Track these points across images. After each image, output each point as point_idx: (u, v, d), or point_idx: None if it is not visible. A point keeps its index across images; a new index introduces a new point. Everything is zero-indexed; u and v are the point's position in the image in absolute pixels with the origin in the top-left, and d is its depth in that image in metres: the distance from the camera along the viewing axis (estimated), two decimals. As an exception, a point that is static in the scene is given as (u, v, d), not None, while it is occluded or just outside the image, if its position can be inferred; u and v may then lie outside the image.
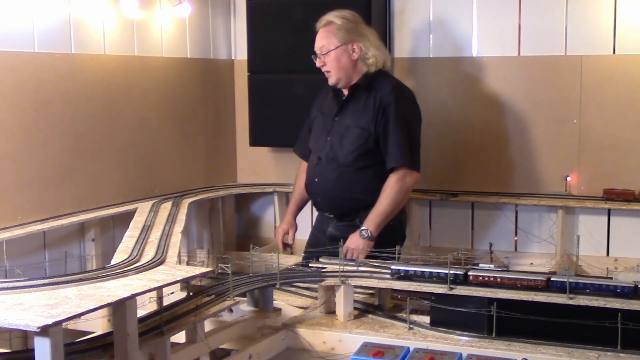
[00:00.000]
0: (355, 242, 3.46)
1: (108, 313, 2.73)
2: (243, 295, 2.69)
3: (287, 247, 3.95)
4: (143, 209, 3.88)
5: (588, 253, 4.14)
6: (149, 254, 2.85)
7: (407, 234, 3.88)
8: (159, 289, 2.41)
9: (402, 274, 2.70)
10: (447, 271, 2.61)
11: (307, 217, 4.31)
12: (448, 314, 2.58)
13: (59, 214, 3.73)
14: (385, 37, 4.47)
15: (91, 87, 3.93)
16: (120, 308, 2.17)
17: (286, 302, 2.95)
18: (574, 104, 4.22)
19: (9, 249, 3.42)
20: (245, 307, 2.76)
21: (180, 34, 4.54)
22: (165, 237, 3.22)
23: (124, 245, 3.05)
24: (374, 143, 3.53)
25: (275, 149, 4.86)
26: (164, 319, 2.36)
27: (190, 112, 4.65)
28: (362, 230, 3.47)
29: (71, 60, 3.81)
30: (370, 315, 2.79)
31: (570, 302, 2.42)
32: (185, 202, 4.13)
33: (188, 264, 4.10)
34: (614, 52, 4.13)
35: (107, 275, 2.45)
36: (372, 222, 3.47)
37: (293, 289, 3.07)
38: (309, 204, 3.95)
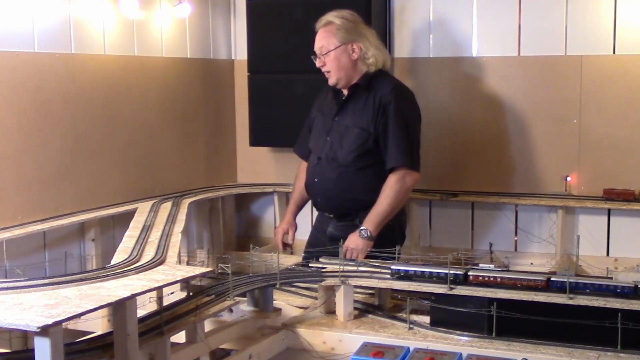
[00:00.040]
0: (355, 241, 3.46)
1: (108, 313, 2.73)
2: (243, 295, 2.69)
3: (287, 247, 3.95)
4: (143, 209, 3.88)
5: (588, 253, 4.14)
6: (149, 254, 2.85)
7: (407, 234, 3.88)
8: (159, 289, 2.41)
9: (402, 274, 2.70)
10: (447, 271, 2.61)
11: (307, 217, 4.31)
12: (448, 314, 2.58)
13: (59, 214, 3.73)
14: (385, 37, 4.47)
15: (91, 87, 3.93)
16: (120, 308, 2.17)
17: (286, 302, 2.95)
18: (574, 104, 4.22)
19: (9, 249, 3.42)
20: (245, 307, 2.76)
21: (180, 34, 4.54)
22: (165, 237, 3.22)
23: (124, 245, 3.05)
24: (374, 143, 3.53)
25: (275, 149, 4.86)
26: (164, 319, 2.35)
27: (190, 112, 4.65)
28: (362, 230, 3.47)
29: (71, 60, 3.81)
30: (370, 315, 2.79)
31: (570, 302, 2.42)
32: (185, 202, 4.13)
33: (188, 264, 4.10)
34: (614, 52, 4.13)
35: (107, 275, 2.45)
36: (371, 222, 3.47)
37: (293, 289, 3.07)
38: (309, 203, 3.95)
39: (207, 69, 4.77)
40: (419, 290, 2.66)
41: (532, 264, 4.16)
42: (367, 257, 3.27)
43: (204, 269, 2.86)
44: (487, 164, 4.44)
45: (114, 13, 4.03)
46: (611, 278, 2.60)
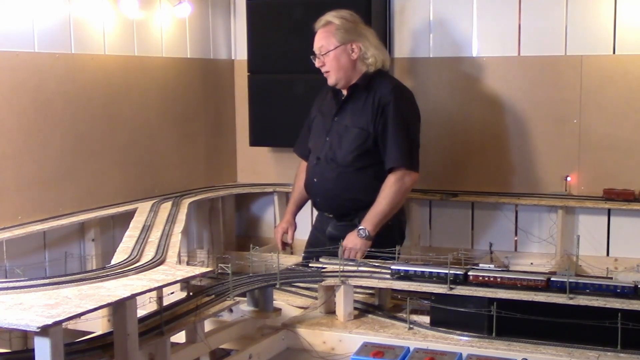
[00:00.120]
0: (353, 241, 3.46)
1: (108, 313, 2.73)
2: (243, 295, 2.69)
3: (286, 246, 3.95)
4: (143, 209, 3.88)
5: (588, 253, 4.14)
6: (149, 254, 2.85)
7: (406, 234, 3.88)
8: (159, 289, 2.41)
9: (402, 274, 2.70)
10: (447, 271, 2.61)
11: (307, 217, 4.31)
12: (448, 314, 2.58)
13: (59, 214, 3.73)
14: (385, 37, 4.47)
15: (91, 87, 3.93)
16: (120, 308, 2.17)
17: (286, 302, 2.95)
18: (574, 104, 4.22)
19: (9, 249, 3.42)
20: (245, 307, 2.76)
21: (180, 34, 4.54)
22: (165, 237, 3.22)
23: (124, 245, 3.05)
24: (373, 143, 3.53)
25: (275, 149, 4.86)
26: (164, 319, 2.35)
27: (190, 112, 4.65)
28: (360, 229, 3.47)
29: (71, 60, 3.81)
30: (370, 315, 2.79)
31: (570, 302, 2.42)
32: (185, 202, 4.13)
33: (188, 264, 4.10)
34: (614, 52, 4.13)
35: (107, 275, 2.45)
36: (369, 221, 3.47)
37: (293, 289, 3.07)
38: (309, 203, 3.95)
39: (207, 69, 4.77)
40: (419, 290, 2.66)
41: (532, 264, 4.16)
42: (367, 257, 3.27)
43: (204, 269, 2.86)
44: (487, 164, 4.44)
45: (114, 13, 4.03)
46: (611, 278, 2.59)
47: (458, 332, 2.55)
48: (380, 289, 2.86)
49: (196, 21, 4.64)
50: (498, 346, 2.44)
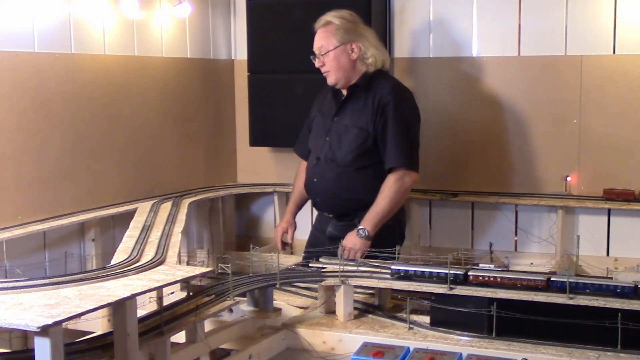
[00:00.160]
0: (352, 241, 3.46)
1: (108, 313, 2.73)
2: (243, 295, 2.69)
3: (286, 246, 3.95)
4: (143, 209, 3.88)
5: (588, 253, 4.14)
6: (149, 254, 2.85)
7: (406, 234, 3.88)
8: (159, 289, 2.41)
9: (402, 274, 2.70)
10: (447, 271, 2.61)
11: (307, 217, 4.31)
12: (448, 314, 2.58)
13: (59, 214, 3.73)
14: (385, 37, 4.47)
15: (91, 87, 3.93)
16: (120, 308, 2.17)
17: (286, 302, 2.95)
18: (574, 104, 4.22)
19: (9, 249, 3.42)
20: (245, 307, 2.76)
21: (180, 34, 4.54)
22: (165, 237, 3.22)
23: (124, 245, 3.05)
24: (373, 143, 3.53)
25: (275, 149, 4.86)
26: (164, 319, 2.35)
27: (190, 112, 4.65)
28: (359, 229, 3.47)
29: (71, 60, 3.81)
30: (370, 315, 2.79)
31: (570, 302, 2.42)
32: (185, 202, 4.13)
33: (188, 264, 4.10)
34: (614, 52, 4.13)
35: (107, 275, 2.45)
36: (369, 221, 3.47)
37: (293, 289, 3.07)
38: (309, 203, 3.95)
39: (207, 69, 4.77)
40: (419, 290, 2.66)
41: (532, 264, 4.16)
42: (367, 257, 3.27)
43: (204, 269, 2.86)
44: (487, 164, 4.44)
45: (114, 13, 4.03)
46: (611, 278, 2.59)
47: (458, 332, 2.55)
48: (380, 289, 2.86)
49: (196, 21, 4.64)
50: (498, 346, 2.44)
